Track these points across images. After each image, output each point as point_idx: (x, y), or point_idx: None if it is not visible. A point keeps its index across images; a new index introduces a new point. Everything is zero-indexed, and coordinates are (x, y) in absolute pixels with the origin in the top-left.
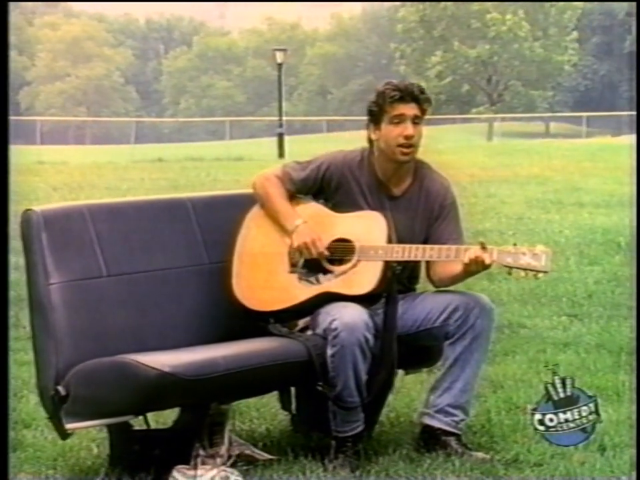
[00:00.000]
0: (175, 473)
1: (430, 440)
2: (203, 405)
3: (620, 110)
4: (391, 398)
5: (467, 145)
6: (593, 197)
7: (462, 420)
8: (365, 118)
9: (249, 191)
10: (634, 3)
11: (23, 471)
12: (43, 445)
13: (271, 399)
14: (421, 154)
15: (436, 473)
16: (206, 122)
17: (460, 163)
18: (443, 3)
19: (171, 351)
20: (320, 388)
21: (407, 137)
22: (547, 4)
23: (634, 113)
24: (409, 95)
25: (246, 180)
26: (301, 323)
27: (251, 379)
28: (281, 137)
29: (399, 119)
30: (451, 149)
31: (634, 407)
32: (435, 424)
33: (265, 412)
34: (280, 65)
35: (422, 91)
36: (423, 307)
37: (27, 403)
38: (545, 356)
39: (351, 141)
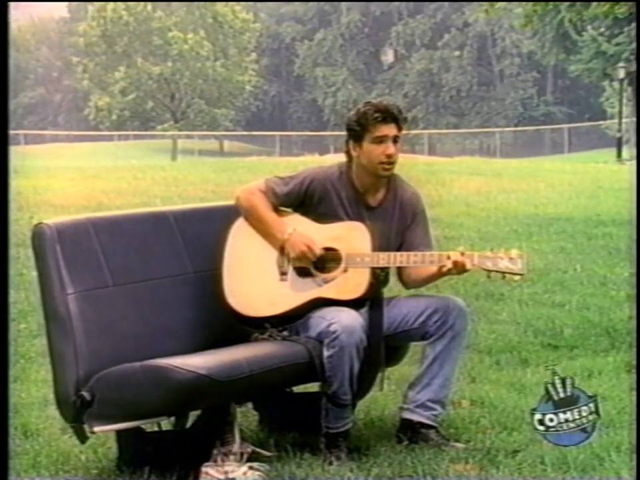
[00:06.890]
0: (207, 470)
1: (410, 433)
2: (225, 405)
3: (290, 130)
4: (386, 394)
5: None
6: None
7: (440, 413)
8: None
9: (225, 203)
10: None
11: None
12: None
13: None
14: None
15: (440, 462)
16: None
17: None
18: (125, 19)
19: (196, 355)
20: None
21: (389, 156)
22: (226, 25)
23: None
24: (390, 116)
25: None
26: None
27: (269, 379)
28: None
29: (381, 139)
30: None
31: (634, 407)
32: (415, 418)
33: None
34: None
35: (400, 111)
36: (399, 310)
37: None
38: None
39: (61, 154)
